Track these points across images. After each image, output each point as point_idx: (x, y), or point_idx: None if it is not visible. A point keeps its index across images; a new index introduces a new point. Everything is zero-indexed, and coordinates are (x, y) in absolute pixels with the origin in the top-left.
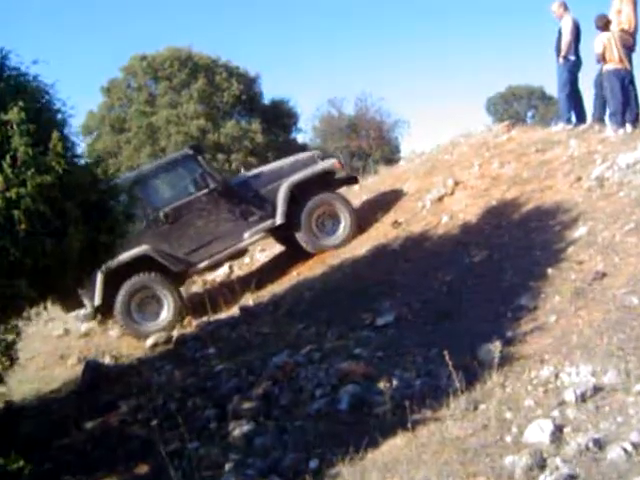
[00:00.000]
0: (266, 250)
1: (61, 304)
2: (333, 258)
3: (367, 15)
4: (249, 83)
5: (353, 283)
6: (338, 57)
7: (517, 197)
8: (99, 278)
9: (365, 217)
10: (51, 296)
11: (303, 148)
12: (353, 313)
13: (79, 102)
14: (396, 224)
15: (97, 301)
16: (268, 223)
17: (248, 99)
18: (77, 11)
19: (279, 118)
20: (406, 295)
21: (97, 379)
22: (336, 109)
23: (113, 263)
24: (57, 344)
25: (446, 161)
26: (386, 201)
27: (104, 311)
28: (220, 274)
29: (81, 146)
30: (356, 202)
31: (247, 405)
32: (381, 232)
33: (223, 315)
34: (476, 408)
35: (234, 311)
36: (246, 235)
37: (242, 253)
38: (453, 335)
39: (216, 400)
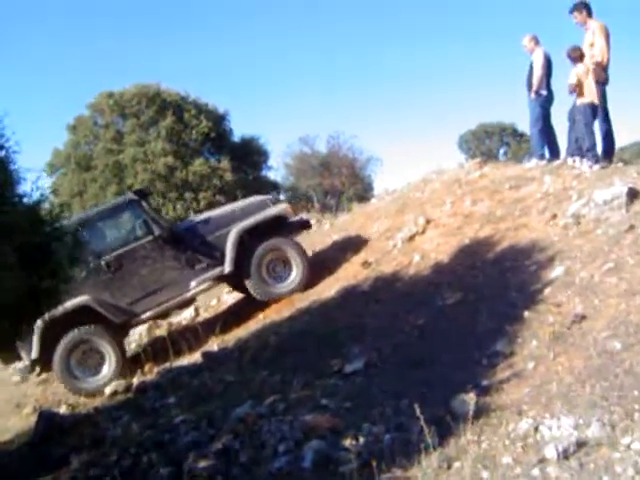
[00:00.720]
0: (234, 292)
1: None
2: (301, 301)
3: (336, 52)
4: (218, 120)
5: (321, 327)
6: (308, 95)
7: (491, 235)
8: (36, 330)
9: (334, 257)
10: None
11: (274, 186)
12: (321, 359)
13: (46, 140)
14: (366, 264)
15: (34, 355)
16: (216, 271)
17: (217, 136)
18: (44, 47)
19: (249, 156)
20: (376, 339)
21: (51, 430)
22: (308, 147)
23: (50, 314)
24: (14, 391)
25: (418, 199)
26: (356, 241)
27: (44, 364)
28: (186, 316)
29: (26, 185)
30: (327, 241)
31: (204, 463)
32: (351, 273)
33: (186, 361)
34: (450, 466)
35: (197, 357)
36: (193, 284)
37: (189, 302)
38: (425, 384)
39: (172, 456)
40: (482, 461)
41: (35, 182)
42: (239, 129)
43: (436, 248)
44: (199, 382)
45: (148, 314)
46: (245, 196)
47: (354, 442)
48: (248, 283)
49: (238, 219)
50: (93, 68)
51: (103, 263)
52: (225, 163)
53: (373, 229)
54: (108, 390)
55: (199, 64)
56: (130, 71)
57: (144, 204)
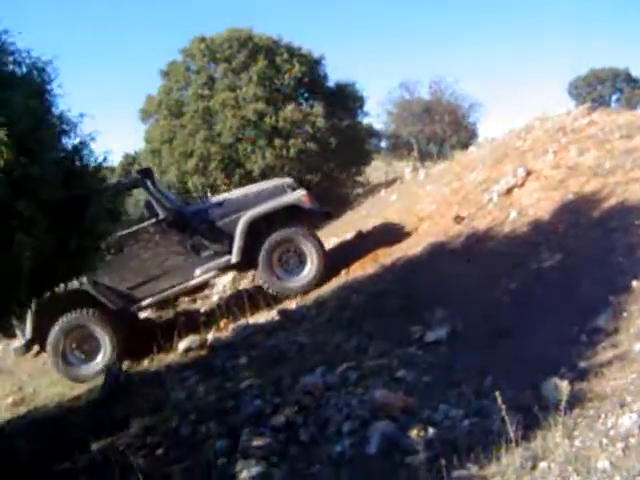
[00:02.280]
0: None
1: None
2: (386, 256)
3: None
4: (312, 65)
5: (405, 287)
6: (409, 39)
7: (598, 191)
8: (30, 311)
9: (425, 210)
10: None
11: (370, 132)
12: (401, 324)
13: (142, 86)
14: (458, 219)
15: (27, 335)
16: (223, 260)
17: (311, 81)
18: None
19: (344, 101)
20: (463, 304)
21: (117, 389)
22: (409, 93)
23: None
24: None
25: (518, 148)
26: (450, 192)
27: (41, 344)
28: None
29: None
30: (419, 192)
31: (259, 442)
32: (442, 228)
33: (263, 318)
34: (534, 466)
35: (274, 314)
36: (198, 272)
37: (194, 290)
38: (513, 359)
39: (231, 427)
40: (573, 463)
41: (73, 128)
42: (336, 74)
43: (535, 203)
44: (273, 342)
45: (148, 301)
46: (338, 144)
47: (422, 433)
48: (257, 275)
49: (251, 205)
50: (189, 14)
51: (103, 244)
52: (318, 109)
53: (469, 180)
54: (182, 346)
55: (294, 9)
56: (225, 17)
57: (149, 184)
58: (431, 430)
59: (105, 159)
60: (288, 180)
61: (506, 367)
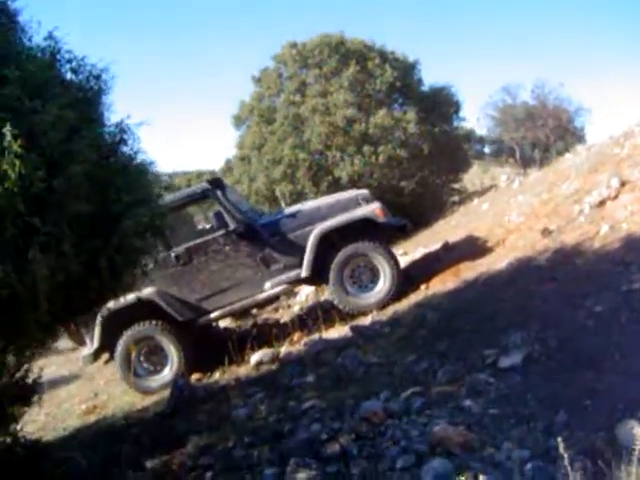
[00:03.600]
0: (408, 254)
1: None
2: (468, 271)
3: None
4: (407, 69)
5: (484, 306)
6: (510, 41)
7: None
8: (97, 321)
9: (513, 222)
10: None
11: (468, 138)
12: (476, 347)
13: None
14: (546, 232)
15: (95, 344)
16: (293, 274)
17: (404, 86)
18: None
19: (438, 107)
20: (543, 327)
21: (182, 402)
22: (511, 97)
23: (112, 306)
24: None
25: (615, 155)
26: (539, 203)
27: (110, 351)
28: None
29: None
30: (510, 202)
31: (303, 475)
32: (529, 241)
33: (336, 333)
34: None
35: (347, 329)
36: (267, 285)
37: (264, 304)
38: (591, 393)
39: (284, 454)
40: None
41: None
42: (432, 78)
43: (629, 217)
44: (341, 361)
45: (217, 313)
46: (431, 150)
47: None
48: (328, 290)
49: (323, 217)
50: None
51: (172, 255)
52: (410, 114)
53: (561, 189)
54: (254, 359)
55: (393, 12)
56: (318, 23)
57: (219, 194)
58: (490, 473)
59: (147, 171)
60: (363, 192)
61: (582, 402)
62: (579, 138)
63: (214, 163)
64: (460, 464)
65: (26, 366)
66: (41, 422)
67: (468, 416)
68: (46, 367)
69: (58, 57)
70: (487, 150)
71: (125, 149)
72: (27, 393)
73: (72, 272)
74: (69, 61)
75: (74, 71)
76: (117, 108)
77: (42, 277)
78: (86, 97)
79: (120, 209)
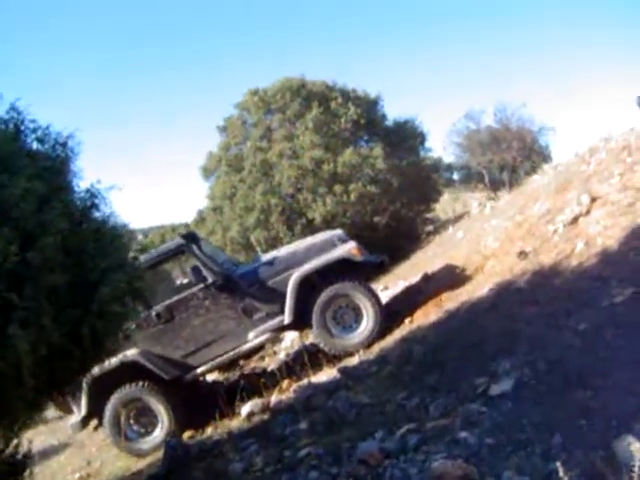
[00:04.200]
0: (389, 288)
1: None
2: (450, 301)
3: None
4: (370, 105)
5: (469, 334)
6: (469, 68)
7: None
8: (84, 386)
9: (489, 247)
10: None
11: (437, 167)
12: (465, 377)
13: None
14: (523, 255)
15: (83, 412)
16: (276, 322)
17: (368, 123)
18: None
19: (404, 139)
20: (530, 351)
21: (176, 461)
22: (475, 122)
23: (96, 371)
24: None
25: (582, 172)
26: (513, 226)
27: (98, 417)
28: None
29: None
30: (484, 228)
31: None
32: (507, 265)
33: (324, 376)
34: None
35: (335, 372)
36: (251, 335)
37: (250, 354)
38: (584, 413)
39: None
40: None
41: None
42: (396, 112)
43: (603, 232)
44: (332, 404)
45: (203, 368)
46: (401, 183)
47: None
48: (313, 334)
49: (300, 262)
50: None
51: (153, 314)
52: (377, 150)
53: (533, 210)
54: (244, 411)
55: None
56: (277, 68)
57: (195, 248)
58: None
59: (122, 233)
60: (338, 232)
61: (576, 422)
62: (545, 157)
63: (186, 215)
64: None
65: (15, 441)
66: None
67: (465, 448)
68: (35, 437)
69: (22, 128)
70: (456, 177)
71: (97, 214)
72: (18, 469)
73: (54, 344)
74: (34, 131)
75: (40, 140)
76: (85, 173)
77: (24, 352)
78: (54, 166)
79: (97, 276)
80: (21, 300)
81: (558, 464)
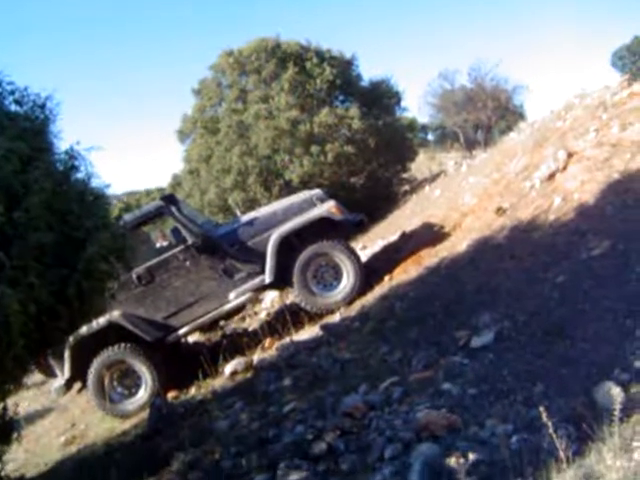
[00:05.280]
0: (367, 247)
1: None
2: (430, 257)
3: None
4: (345, 66)
5: (450, 289)
6: (443, 27)
7: None
8: (66, 349)
9: (467, 204)
10: None
11: (411, 127)
12: (446, 331)
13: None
14: (500, 211)
15: (66, 375)
16: (256, 281)
17: (344, 83)
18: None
19: (379, 100)
20: (510, 304)
21: (161, 421)
22: (449, 82)
23: (79, 333)
24: None
25: (558, 129)
26: (491, 183)
27: (82, 380)
28: None
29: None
30: (462, 185)
31: (296, 476)
32: (485, 222)
33: (306, 334)
34: None
35: (317, 329)
36: (232, 295)
37: (232, 314)
38: (564, 362)
39: (272, 459)
40: None
41: (83, 162)
42: (371, 72)
43: (580, 187)
44: (315, 361)
45: (185, 329)
46: (377, 144)
47: (468, 454)
48: (294, 293)
49: (280, 221)
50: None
51: (134, 276)
52: (353, 110)
53: (510, 167)
54: (228, 370)
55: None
56: (251, 29)
57: (174, 210)
58: (478, 450)
59: (104, 194)
60: (317, 192)
61: (557, 371)
62: (519, 116)
63: (161, 180)
64: (447, 446)
65: (2, 404)
66: (21, 459)
67: (448, 399)
68: (18, 404)
69: (0, 90)
70: (431, 137)
71: (78, 175)
72: (7, 431)
73: (42, 303)
74: (12, 92)
75: (18, 102)
76: (65, 135)
77: (14, 311)
78: (34, 127)
79: (82, 235)
80: (9, 259)
81: (541, 409)
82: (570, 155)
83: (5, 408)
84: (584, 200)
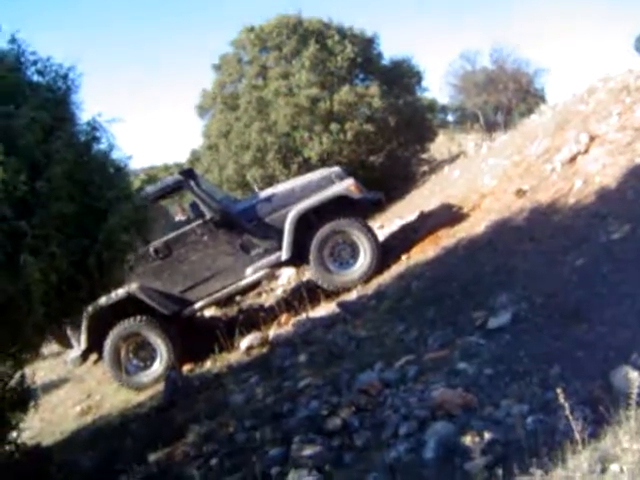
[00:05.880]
0: (385, 226)
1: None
2: (448, 238)
3: None
4: (366, 44)
5: (467, 270)
6: (462, 8)
7: None
8: (83, 322)
9: (487, 186)
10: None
11: (433, 108)
12: (463, 311)
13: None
14: (520, 193)
15: (82, 346)
16: (273, 257)
17: (365, 61)
18: None
19: (400, 79)
20: (528, 286)
21: (177, 394)
22: (470, 63)
23: (96, 304)
24: None
25: (580, 112)
26: (511, 165)
27: (98, 351)
28: None
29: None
30: (481, 167)
31: (310, 450)
32: (504, 203)
33: (323, 311)
34: (604, 469)
35: (334, 306)
36: (249, 271)
37: (248, 290)
38: (582, 345)
39: (287, 433)
40: None
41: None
42: (392, 51)
43: (601, 170)
44: (331, 338)
45: (201, 303)
46: (397, 123)
47: (484, 434)
48: (310, 270)
49: (298, 198)
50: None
51: (151, 249)
52: (374, 89)
53: (531, 150)
54: (244, 345)
55: None
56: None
57: (193, 184)
58: (493, 430)
59: (126, 165)
60: (336, 169)
61: (574, 354)
62: (540, 99)
63: (180, 155)
64: (462, 425)
65: (20, 372)
66: (37, 428)
67: (464, 378)
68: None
69: (23, 60)
70: (451, 118)
71: (100, 147)
72: (24, 399)
73: (63, 272)
74: (34, 63)
75: (40, 73)
76: (86, 107)
77: (35, 280)
78: (56, 98)
79: (104, 206)
80: (31, 228)
81: (559, 391)
82: (592, 138)
83: (23, 376)
84: (605, 183)
